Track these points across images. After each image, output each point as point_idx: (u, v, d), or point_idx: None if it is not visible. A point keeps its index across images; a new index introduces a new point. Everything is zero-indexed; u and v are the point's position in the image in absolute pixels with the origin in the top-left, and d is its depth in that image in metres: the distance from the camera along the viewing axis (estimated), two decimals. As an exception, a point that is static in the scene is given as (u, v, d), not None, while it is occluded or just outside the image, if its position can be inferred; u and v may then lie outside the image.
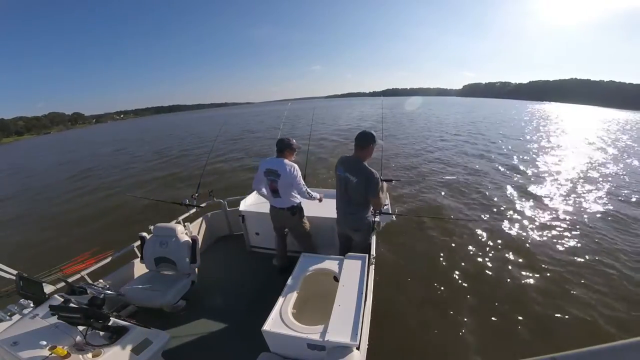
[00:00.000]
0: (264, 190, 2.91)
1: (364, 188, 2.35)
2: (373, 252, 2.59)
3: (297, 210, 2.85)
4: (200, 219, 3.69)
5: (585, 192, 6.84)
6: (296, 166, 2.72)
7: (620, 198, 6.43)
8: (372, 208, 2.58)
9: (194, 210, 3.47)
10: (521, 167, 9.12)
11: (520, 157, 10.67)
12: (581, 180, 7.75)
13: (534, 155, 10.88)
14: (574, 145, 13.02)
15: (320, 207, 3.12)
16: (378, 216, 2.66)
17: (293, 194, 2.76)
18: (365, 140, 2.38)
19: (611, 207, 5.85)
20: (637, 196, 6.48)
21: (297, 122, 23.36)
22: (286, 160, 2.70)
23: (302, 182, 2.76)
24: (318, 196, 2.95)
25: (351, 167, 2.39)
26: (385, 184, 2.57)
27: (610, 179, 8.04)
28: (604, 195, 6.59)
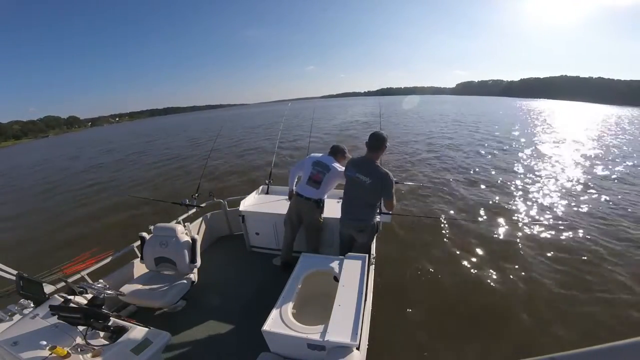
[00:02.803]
0: (297, 176, 3.11)
1: (379, 189, 2.35)
2: (373, 252, 2.59)
3: (322, 203, 2.94)
4: (200, 219, 3.69)
5: (584, 186, 6.87)
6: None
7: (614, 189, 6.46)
8: (377, 209, 2.58)
9: (194, 210, 3.47)
10: (520, 165, 9.11)
11: (518, 154, 10.65)
12: (582, 175, 7.78)
13: (532, 153, 10.87)
14: (574, 141, 13.04)
15: None
16: (378, 216, 2.66)
17: (328, 190, 2.93)
18: (378, 141, 2.38)
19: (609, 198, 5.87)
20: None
21: (298, 121, 23.51)
22: (337, 163, 2.93)
23: None
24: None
25: (363, 168, 2.39)
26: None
27: (605, 169, 8.17)
28: (601, 188, 6.63)
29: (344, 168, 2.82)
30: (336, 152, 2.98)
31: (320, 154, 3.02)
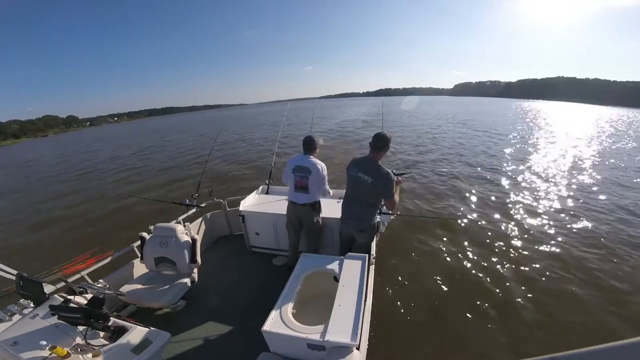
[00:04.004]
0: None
1: (380, 189, 2.35)
2: (373, 252, 2.59)
3: (318, 205, 2.90)
4: (200, 219, 3.69)
5: (583, 184, 6.89)
6: (324, 165, 2.81)
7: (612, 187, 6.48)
8: (377, 209, 2.58)
9: (194, 210, 3.47)
10: (518, 165, 9.13)
11: (518, 156, 10.68)
12: (581, 174, 7.79)
13: (531, 154, 10.90)
14: (573, 143, 13.12)
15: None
16: (379, 216, 2.66)
17: (318, 191, 2.84)
18: (381, 141, 2.39)
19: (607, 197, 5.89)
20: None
21: (298, 121, 23.64)
22: (315, 159, 2.79)
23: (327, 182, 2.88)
24: (332, 193, 3.04)
25: (365, 168, 2.40)
26: (398, 187, 2.55)
27: (604, 170, 8.23)
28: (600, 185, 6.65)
29: (322, 164, 2.79)
30: (310, 147, 2.81)
31: (297, 155, 2.89)
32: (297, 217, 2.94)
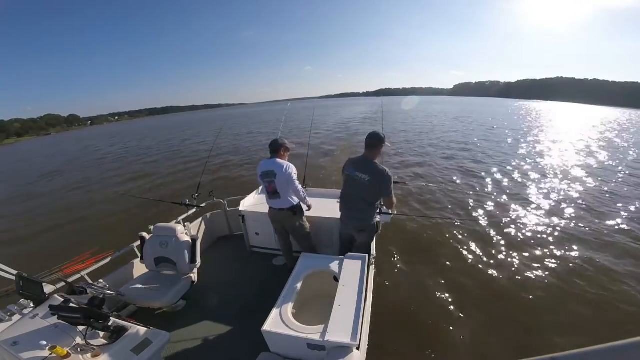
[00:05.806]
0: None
1: (377, 187, 2.35)
2: (373, 252, 2.59)
3: (298, 209, 2.82)
4: (200, 219, 3.69)
5: (581, 183, 6.88)
6: (292, 165, 2.71)
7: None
8: (377, 209, 2.57)
9: (194, 210, 3.47)
10: (518, 165, 9.14)
11: (517, 157, 10.69)
12: (581, 173, 7.79)
13: (530, 157, 10.91)
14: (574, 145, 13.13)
15: (320, 207, 3.12)
16: (378, 216, 2.66)
17: (292, 193, 2.74)
18: (374, 139, 2.39)
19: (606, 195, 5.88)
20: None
21: (299, 119, 23.70)
22: (280, 160, 2.70)
23: (298, 181, 2.74)
24: (309, 203, 2.95)
25: (362, 167, 2.39)
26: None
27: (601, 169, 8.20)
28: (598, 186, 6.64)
29: (288, 163, 2.71)
30: (277, 149, 2.73)
31: (263, 161, 2.80)
32: (277, 222, 2.90)
